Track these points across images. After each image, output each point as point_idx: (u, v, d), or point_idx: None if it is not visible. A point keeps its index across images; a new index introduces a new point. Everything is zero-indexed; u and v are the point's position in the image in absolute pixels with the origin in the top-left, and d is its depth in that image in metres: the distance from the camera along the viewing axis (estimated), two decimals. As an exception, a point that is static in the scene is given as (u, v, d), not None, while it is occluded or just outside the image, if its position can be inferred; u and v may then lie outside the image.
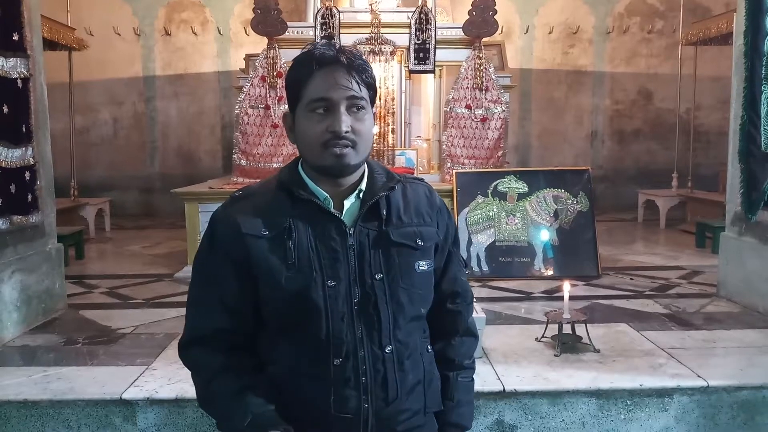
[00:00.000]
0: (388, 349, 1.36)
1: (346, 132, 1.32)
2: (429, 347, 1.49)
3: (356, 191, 1.40)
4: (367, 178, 1.42)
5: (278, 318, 1.36)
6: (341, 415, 1.34)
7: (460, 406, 1.53)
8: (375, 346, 1.36)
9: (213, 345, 1.37)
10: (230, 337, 1.38)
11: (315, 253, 1.33)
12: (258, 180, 5.80)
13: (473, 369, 1.59)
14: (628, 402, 2.88)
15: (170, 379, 2.97)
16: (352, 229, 1.36)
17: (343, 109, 1.32)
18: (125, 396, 2.81)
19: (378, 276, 1.36)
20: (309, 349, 1.34)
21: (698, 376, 2.95)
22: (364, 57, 1.40)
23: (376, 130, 1.34)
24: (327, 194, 1.37)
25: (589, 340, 3.31)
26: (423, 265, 1.42)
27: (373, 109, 1.41)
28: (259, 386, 1.35)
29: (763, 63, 3.92)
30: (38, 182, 3.99)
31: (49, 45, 6.61)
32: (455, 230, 1.56)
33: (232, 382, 1.35)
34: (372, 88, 1.38)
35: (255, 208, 1.36)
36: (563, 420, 2.86)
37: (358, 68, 1.35)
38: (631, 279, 5.15)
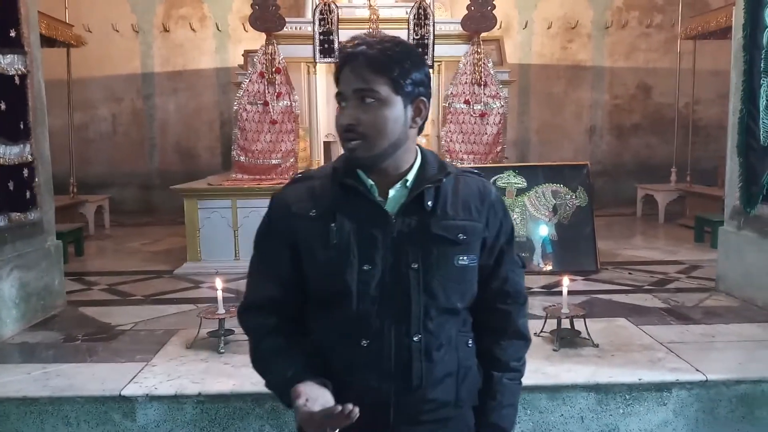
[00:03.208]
0: (416, 337, 1.38)
1: (350, 125, 1.35)
2: (470, 342, 1.49)
3: (402, 180, 1.41)
4: (418, 168, 1.43)
5: (316, 294, 1.44)
6: (364, 393, 1.36)
7: (502, 407, 1.52)
8: (403, 333, 1.38)
9: (265, 311, 1.46)
10: (281, 306, 1.46)
11: (354, 238, 1.38)
12: (257, 176, 5.84)
13: (521, 372, 1.56)
14: (627, 396, 2.88)
15: (169, 375, 2.98)
16: (393, 218, 1.39)
17: (352, 102, 1.35)
18: (124, 392, 2.81)
19: (414, 265, 1.38)
20: (340, 327, 1.40)
21: (697, 370, 2.96)
22: (398, 48, 1.36)
23: (398, 119, 1.34)
24: (373, 182, 1.41)
25: (588, 334, 3.32)
26: (463, 260, 1.42)
27: (407, 98, 1.37)
28: (304, 347, 1.42)
29: (762, 56, 3.92)
30: (36, 179, 3.99)
31: (47, 42, 6.59)
32: (511, 228, 1.53)
33: (279, 341, 1.43)
34: (397, 79, 1.34)
35: (307, 190, 1.44)
36: (562, 414, 2.86)
37: (373, 60, 1.34)
38: (629, 273, 5.16)
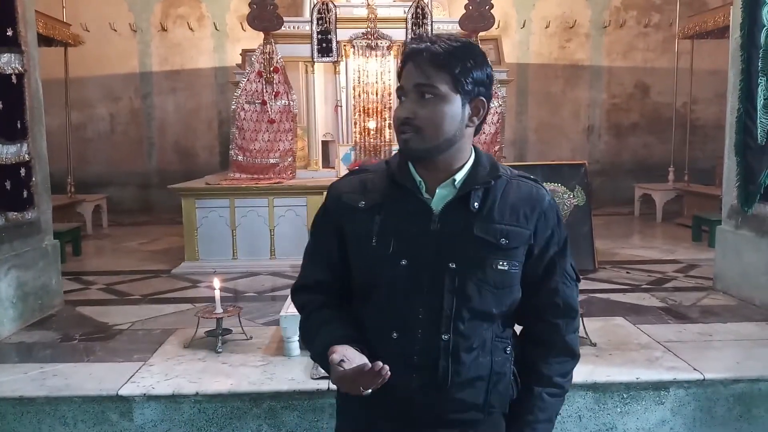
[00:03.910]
0: (445, 336, 1.38)
1: (407, 118, 1.37)
2: (507, 349, 1.47)
3: (451, 179, 1.42)
4: (469, 169, 1.43)
5: (357, 283, 1.48)
6: (392, 387, 1.36)
7: (537, 422, 1.49)
8: (433, 330, 1.38)
9: (314, 291, 1.52)
10: (329, 288, 1.51)
11: (396, 232, 1.40)
12: (255, 176, 5.84)
13: (565, 388, 1.53)
14: (625, 395, 2.88)
15: (167, 374, 2.97)
16: (437, 216, 1.40)
17: (412, 96, 1.37)
18: (122, 392, 2.81)
19: (451, 265, 1.38)
20: (373, 317, 1.44)
21: (694, 369, 2.96)
22: (462, 46, 1.37)
23: (455, 116, 1.36)
24: (422, 179, 1.43)
25: (586, 333, 3.31)
26: (503, 265, 1.40)
27: (466, 97, 1.38)
28: (348, 322, 1.46)
29: (760, 55, 3.92)
30: (34, 178, 3.98)
31: (45, 41, 6.58)
32: (564, 239, 1.49)
33: (325, 314, 1.48)
34: (458, 77, 1.35)
35: (360, 183, 1.48)
36: (559, 414, 2.85)
37: (436, 56, 1.35)
38: (627, 273, 5.16)
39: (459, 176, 1.42)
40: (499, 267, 1.40)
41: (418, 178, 1.42)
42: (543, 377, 1.49)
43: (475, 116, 1.41)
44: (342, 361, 1.28)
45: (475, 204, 1.40)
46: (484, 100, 1.41)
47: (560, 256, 1.48)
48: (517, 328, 1.56)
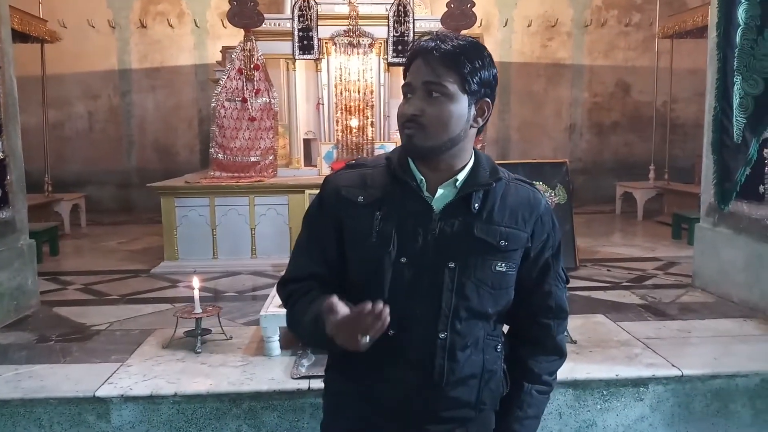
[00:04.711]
0: (442, 335, 1.39)
1: (414, 115, 1.35)
2: (498, 347, 1.49)
3: (452, 180, 1.42)
4: (470, 170, 1.43)
5: (353, 278, 1.46)
6: (387, 385, 1.40)
7: (527, 417, 1.53)
8: (430, 329, 1.39)
9: (308, 283, 1.48)
10: (324, 281, 1.47)
11: (396, 230, 1.39)
12: (235, 174, 5.79)
13: (552, 386, 1.58)
14: (605, 392, 2.90)
15: (145, 375, 2.93)
16: (437, 215, 1.39)
17: (419, 93, 1.36)
18: (99, 393, 2.76)
19: (450, 264, 1.39)
20: None
21: (673, 366, 2.98)
22: (471, 47, 1.37)
23: (461, 116, 1.35)
24: (423, 177, 1.42)
25: (567, 331, 3.32)
26: (501, 267, 1.42)
27: (473, 97, 1.38)
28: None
29: (736, 54, 3.96)
30: (8, 177, 3.91)
31: (21, 37, 6.47)
32: (558, 243, 1.52)
33: (314, 294, 1.43)
34: (466, 76, 1.35)
35: (359, 177, 1.46)
36: (540, 411, 2.87)
37: (446, 55, 1.34)
38: (608, 270, 5.20)
39: (460, 177, 1.42)
40: (498, 268, 1.41)
41: (419, 176, 1.42)
42: (533, 374, 1.53)
43: (480, 117, 1.42)
44: (336, 310, 1.26)
45: (476, 205, 1.40)
46: (489, 101, 1.42)
47: (554, 259, 1.51)
48: (505, 327, 1.58)
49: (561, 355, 1.58)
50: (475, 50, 1.38)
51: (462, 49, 1.35)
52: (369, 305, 1.20)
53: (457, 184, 1.42)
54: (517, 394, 1.53)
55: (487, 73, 1.39)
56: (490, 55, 1.42)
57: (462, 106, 1.37)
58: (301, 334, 1.48)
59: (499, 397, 1.51)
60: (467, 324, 1.41)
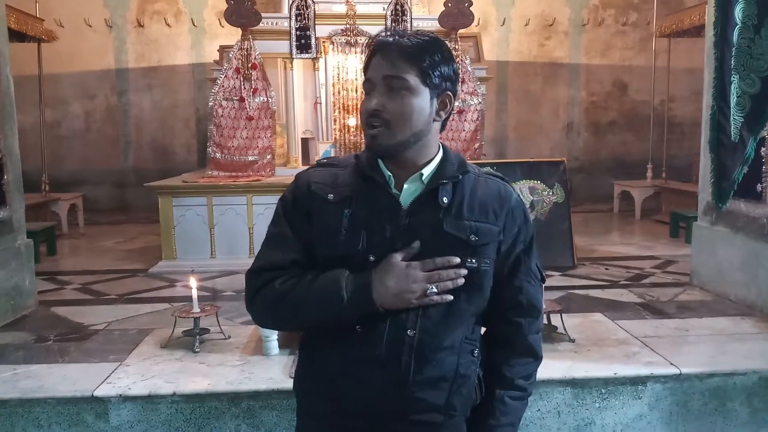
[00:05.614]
0: (410, 332, 1.36)
1: (375, 110, 1.34)
2: (475, 352, 1.45)
3: (418, 174, 1.41)
4: (437, 164, 1.42)
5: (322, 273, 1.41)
6: (355, 383, 1.38)
7: (499, 425, 1.48)
8: (399, 327, 1.37)
9: (293, 270, 1.42)
10: (306, 268, 1.42)
11: (365, 227, 1.38)
12: (233, 173, 5.79)
13: (527, 391, 1.52)
14: (603, 390, 2.90)
15: (143, 375, 2.93)
16: (405, 211, 1.38)
17: (380, 89, 1.35)
18: (97, 393, 2.76)
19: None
20: None
21: (671, 364, 2.98)
22: (430, 41, 1.37)
23: (423, 110, 1.35)
24: (391, 174, 1.41)
25: (565, 329, 3.33)
26: (472, 262, 1.38)
27: (434, 91, 1.38)
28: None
29: (733, 53, 3.96)
30: (5, 176, 3.91)
31: (17, 36, 6.46)
32: (531, 237, 1.48)
33: (312, 274, 1.39)
34: (426, 70, 1.35)
35: (330, 175, 1.45)
36: (539, 409, 2.88)
37: (406, 49, 1.34)
38: (606, 269, 5.20)
39: (426, 171, 1.41)
40: (469, 264, 1.37)
41: (387, 173, 1.41)
42: (505, 379, 1.49)
43: (442, 110, 1.41)
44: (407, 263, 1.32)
45: (444, 199, 1.39)
46: (450, 95, 1.41)
47: (526, 254, 1.47)
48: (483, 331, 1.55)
49: (535, 357, 1.52)
50: (435, 44, 1.38)
51: (420, 43, 1.36)
52: (455, 258, 1.32)
53: (423, 178, 1.40)
54: (489, 402, 1.48)
55: (446, 66, 1.39)
56: (449, 50, 1.42)
57: (424, 100, 1.36)
58: (299, 311, 1.39)
59: (471, 405, 1.47)
60: (438, 323, 1.37)
